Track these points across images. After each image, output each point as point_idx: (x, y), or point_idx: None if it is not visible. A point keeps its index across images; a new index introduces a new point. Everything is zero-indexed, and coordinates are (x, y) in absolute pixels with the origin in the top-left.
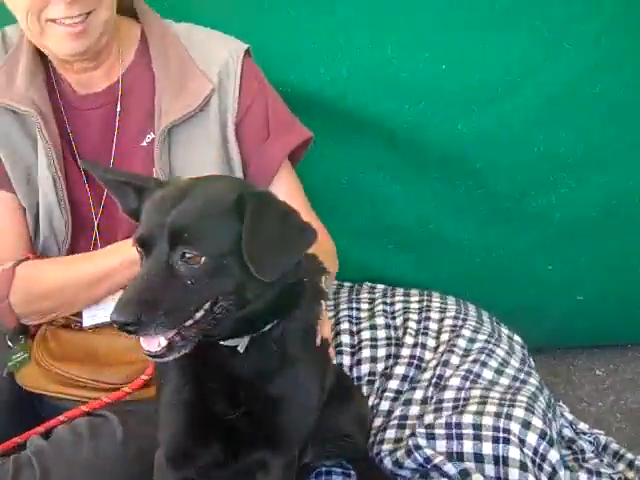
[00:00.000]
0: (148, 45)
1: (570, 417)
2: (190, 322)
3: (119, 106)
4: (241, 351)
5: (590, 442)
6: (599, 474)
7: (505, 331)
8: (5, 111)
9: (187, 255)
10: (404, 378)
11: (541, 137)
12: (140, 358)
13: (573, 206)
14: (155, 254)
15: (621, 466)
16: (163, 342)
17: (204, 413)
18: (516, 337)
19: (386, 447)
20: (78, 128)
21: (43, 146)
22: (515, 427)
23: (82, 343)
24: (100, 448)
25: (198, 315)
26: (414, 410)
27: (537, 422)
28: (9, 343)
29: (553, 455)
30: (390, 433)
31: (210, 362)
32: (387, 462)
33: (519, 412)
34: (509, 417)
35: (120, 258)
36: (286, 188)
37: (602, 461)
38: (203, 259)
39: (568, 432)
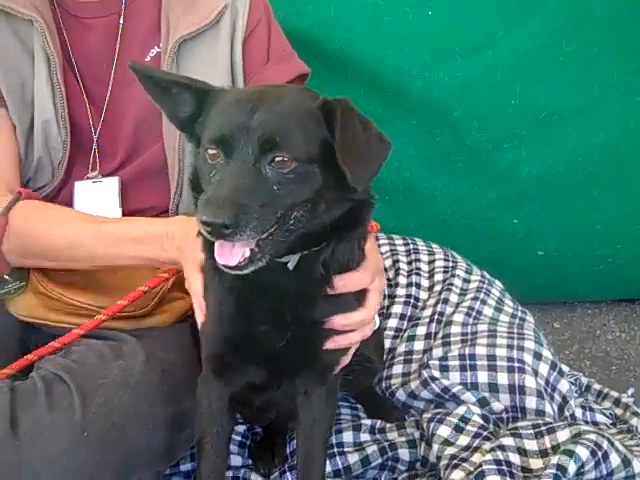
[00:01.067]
0: None
1: None
2: (270, 231)
3: (122, 16)
4: (290, 268)
5: (572, 383)
6: (591, 409)
7: (487, 275)
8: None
9: (277, 159)
10: (402, 317)
11: (517, 90)
12: (143, 282)
13: (541, 161)
14: (241, 156)
15: (607, 404)
16: (247, 252)
17: (248, 333)
18: (497, 282)
19: (395, 381)
20: (77, 38)
21: (43, 57)
22: (528, 358)
23: (83, 270)
24: (127, 367)
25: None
26: (418, 345)
27: (547, 353)
28: None
29: (563, 385)
30: (397, 369)
31: (256, 278)
32: (400, 394)
33: (530, 344)
34: (521, 348)
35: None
36: None
37: (587, 400)
38: (293, 164)
39: None
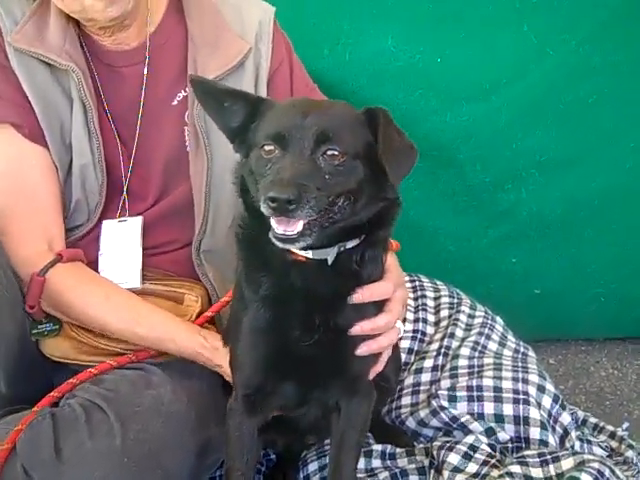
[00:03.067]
0: (181, 3)
1: None
2: (321, 214)
3: (147, 64)
4: (330, 261)
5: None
6: (589, 442)
7: (489, 311)
8: (39, 64)
9: (329, 152)
10: (409, 351)
11: (519, 135)
12: None
13: (540, 202)
14: (298, 149)
15: (603, 437)
16: (299, 226)
17: (281, 342)
18: (498, 318)
19: (405, 410)
20: (109, 85)
21: (80, 104)
22: (532, 390)
23: None
24: (158, 396)
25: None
26: (426, 377)
27: (550, 387)
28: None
29: (565, 418)
30: (406, 400)
31: (291, 280)
32: (410, 422)
33: (534, 377)
34: (526, 381)
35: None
36: None
37: (584, 433)
38: (343, 158)
39: None
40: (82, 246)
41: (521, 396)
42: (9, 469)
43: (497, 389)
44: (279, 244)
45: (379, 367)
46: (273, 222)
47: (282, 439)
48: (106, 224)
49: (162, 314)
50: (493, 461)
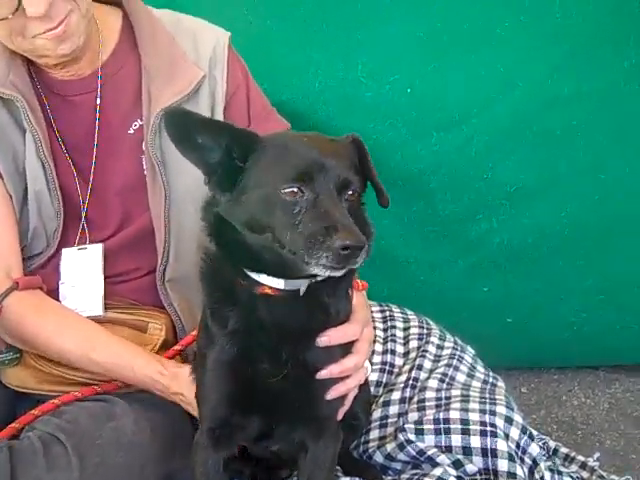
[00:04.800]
0: (133, 31)
1: None
2: None
3: (99, 93)
4: (302, 292)
5: (540, 447)
6: (559, 473)
7: (459, 342)
8: None
9: (349, 193)
10: (378, 384)
11: (490, 165)
12: None
13: (511, 232)
14: (327, 192)
15: (574, 467)
16: None
17: (247, 377)
18: (469, 348)
19: (372, 444)
20: (61, 115)
21: (30, 132)
22: (500, 422)
23: None
24: (119, 427)
25: None
26: (393, 410)
27: (518, 418)
28: None
29: (534, 449)
30: (374, 433)
31: (258, 314)
32: (377, 457)
33: (501, 409)
34: (493, 413)
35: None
36: None
37: (555, 464)
38: (356, 195)
39: None
40: (43, 275)
41: (488, 428)
42: None
43: (464, 421)
44: (333, 273)
45: (347, 406)
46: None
47: (249, 470)
48: (66, 252)
49: (120, 341)
50: None
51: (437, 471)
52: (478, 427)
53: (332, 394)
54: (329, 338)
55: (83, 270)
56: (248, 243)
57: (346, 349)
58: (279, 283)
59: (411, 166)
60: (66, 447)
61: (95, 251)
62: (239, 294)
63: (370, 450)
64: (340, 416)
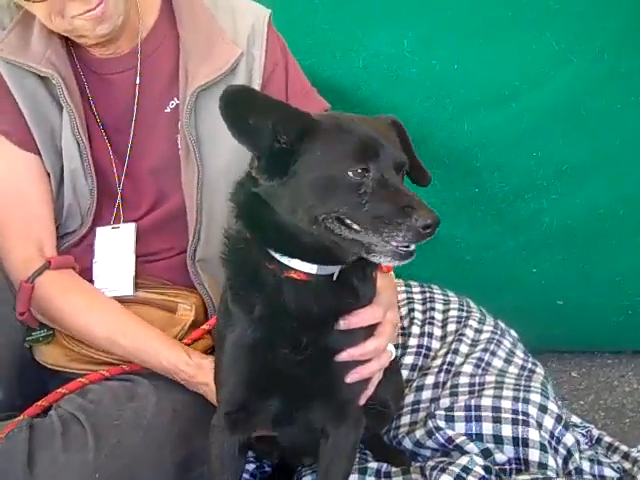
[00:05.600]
0: (172, 7)
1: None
2: None
3: (139, 71)
4: (335, 277)
5: (583, 435)
6: (600, 463)
7: (502, 325)
8: (28, 73)
9: (403, 173)
10: (413, 367)
11: (540, 143)
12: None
13: (562, 212)
14: (390, 172)
15: (616, 457)
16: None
17: (266, 361)
18: (512, 332)
19: (403, 430)
20: (99, 93)
21: (66, 110)
22: (533, 411)
23: None
24: (140, 409)
25: None
26: (426, 395)
27: (553, 407)
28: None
29: (568, 438)
30: (405, 419)
31: (283, 300)
32: (407, 443)
33: (535, 397)
34: (527, 401)
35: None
36: None
37: (597, 453)
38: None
39: None
40: (77, 253)
41: (520, 417)
42: None
43: (496, 409)
44: (398, 262)
45: (370, 391)
46: (383, 241)
47: (277, 452)
48: (100, 231)
49: (147, 327)
50: None
51: (463, 460)
52: (510, 415)
53: (352, 377)
54: (348, 321)
55: (116, 249)
56: (286, 227)
57: (369, 332)
58: (312, 268)
59: (457, 144)
60: (85, 427)
61: (128, 230)
62: (264, 278)
63: (400, 436)
64: (362, 401)
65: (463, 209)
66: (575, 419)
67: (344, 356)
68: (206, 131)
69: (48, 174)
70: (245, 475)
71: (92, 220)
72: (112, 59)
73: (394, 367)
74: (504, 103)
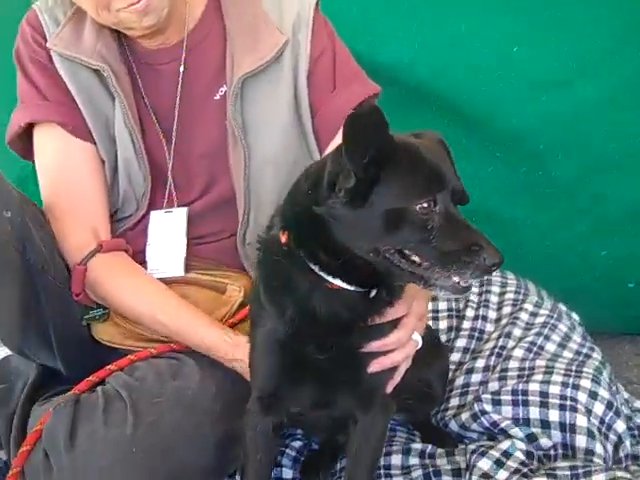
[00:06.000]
0: None
1: (626, 395)
2: None
3: (184, 61)
4: (372, 294)
5: None
6: None
7: (563, 308)
8: (81, 66)
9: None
10: (465, 350)
11: (605, 121)
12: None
13: (631, 192)
14: (452, 206)
15: None
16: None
17: (296, 354)
18: (574, 315)
19: (450, 412)
20: (150, 82)
21: (117, 100)
22: (582, 397)
23: None
24: (182, 387)
25: None
26: (476, 378)
27: (604, 393)
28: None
29: (619, 425)
30: (454, 401)
31: (314, 305)
32: (453, 425)
33: (586, 383)
34: (576, 387)
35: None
36: None
37: None
38: None
39: (624, 409)
40: (132, 236)
41: (568, 402)
42: (35, 452)
43: (544, 394)
44: (457, 295)
45: (397, 379)
46: (447, 277)
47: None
48: (153, 215)
49: (188, 306)
50: (525, 470)
51: (504, 444)
52: (557, 401)
53: (374, 367)
54: (373, 345)
55: (168, 232)
56: (340, 250)
57: (392, 326)
58: (352, 287)
59: (519, 126)
60: (126, 404)
61: (180, 214)
62: (297, 284)
63: (447, 418)
64: (389, 389)
65: (527, 191)
66: (639, 404)
67: (366, 349)
68: (252, 118)
69: (103, 162)
70: (292, 452)
71: (147, 205)
72: (161, 50)
73: (439, 350)
74: (567, 82)
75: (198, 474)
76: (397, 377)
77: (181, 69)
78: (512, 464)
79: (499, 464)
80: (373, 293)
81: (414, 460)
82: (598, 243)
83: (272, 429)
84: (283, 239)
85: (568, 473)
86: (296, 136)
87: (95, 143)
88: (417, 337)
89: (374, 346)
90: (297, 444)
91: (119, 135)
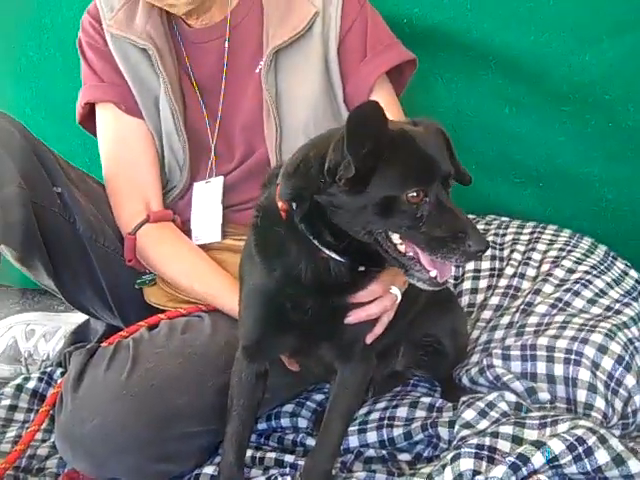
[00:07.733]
0: None
1: None
2: None
3: (227, 38)
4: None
5: None
6: None
7: (620, 265)
8: (131, 46)
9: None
10: (497, 308)
11: None
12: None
13: None
14: (443, 193)
15: None
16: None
17: (279, 307)
18: (632, 272)
19: (468, 367)
20: (196, 60)
21: (160, 77)
22: (589, 351)
23: None
24: (188, 339)
25: None
26: (499, 334)
27: (615, 347)
28: None
29: (629, 380)
30: (475, 357)
31: (301, 270)
32: (465, 380)
33: (596, 337)
34: (584, 341)
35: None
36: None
37: None
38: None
39: None
40: (181, 206)
41: (573, 356)
42: (59, 398)
43: (550, 348)
44: (431, 289)
45: (378, 330)
46: (425, 269)
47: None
48: (196, 185)
49: (222, 275)
50: (503, 420)
51: (491, 396)
52: (562, 355)
53: (350, 319)
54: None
55: (207, 201)
56: (338, 231)
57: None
58: (345, 260)
59: (581, 77)
60: (130, 353)
61: (217, 183)
62: (289, 248)
63: (461, 373)
64: (369, 340)
65: (597, 145)
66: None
67: (341, 302)
68: (285, 89)
69: (152, 135)
70: (312, 404)
71: (189, 175)
72: (206, 28)
73: (449, 306)
74: (630, 29)
75: (195, 420)
76: (378, 329)
77: (226, 45)
78: (494, 414)
79: (482, 414)
80: (362, 268)
81: (420, 413)
82: None
83: (255, 376)
84: (283, 207)
85: (536, 422)
86: (328, 106)
87: (144, 119)
88: (395, 291)
89: (349, 299)
90: (319, 397)
91: (162, 110)
